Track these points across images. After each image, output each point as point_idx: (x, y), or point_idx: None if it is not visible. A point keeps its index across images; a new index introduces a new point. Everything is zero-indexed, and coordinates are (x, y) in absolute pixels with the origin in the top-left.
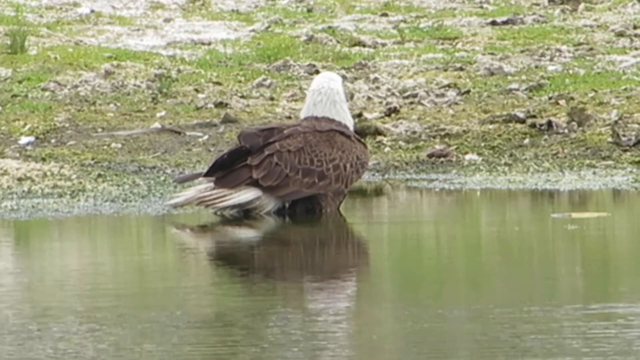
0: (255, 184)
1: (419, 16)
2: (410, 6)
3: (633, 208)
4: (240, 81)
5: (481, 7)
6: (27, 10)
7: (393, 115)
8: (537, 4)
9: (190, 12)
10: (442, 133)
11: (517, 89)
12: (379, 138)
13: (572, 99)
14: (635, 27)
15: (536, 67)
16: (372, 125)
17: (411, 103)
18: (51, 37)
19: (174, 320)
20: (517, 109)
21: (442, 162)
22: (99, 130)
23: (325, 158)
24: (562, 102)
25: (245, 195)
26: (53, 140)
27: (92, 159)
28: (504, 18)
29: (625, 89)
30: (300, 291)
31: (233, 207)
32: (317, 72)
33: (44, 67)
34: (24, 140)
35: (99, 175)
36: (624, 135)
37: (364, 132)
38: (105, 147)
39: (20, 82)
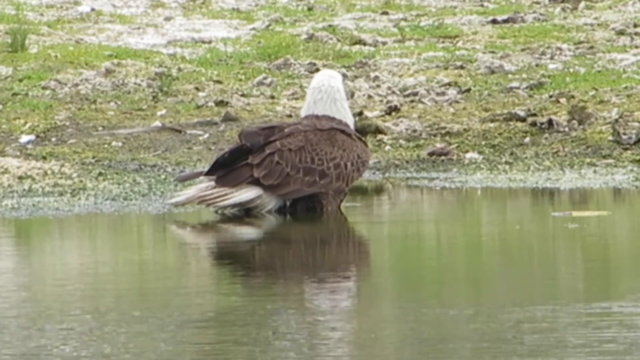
0: (256, 182)
1: (419, 14)
2: (410, 4)
3: (633, 207)
4: (240, 79)
5: (482, 6)
6: (27, 8)
7: (394, 113)
8: (538, 3)
9: (190, 11)
10: (443, 131)
11: (518, 88)
12: (379, 136)
13: (573, 97)
14: (635, 26)
15: (537, 65)
16: (372, 124)
17: (412, 101)
18: (52, 36)
19: (174, 319)
20: (518, 108)
21: (442, 160)
22: (100, 128)
23: (326, 157)
24: (562, 100)
25: (246, 194)
26: (54, 139)
27: (93, 157)
28: (505, 16)
29: (626, 88)
30: (300, 290)
31: (234, 206)
32: (318, 70)
33: (44, 65)
34: (24, 138)
35: (100, 174)
36: (624, 134)
37: (364, 130)
38: (105, 145)
39: (20, 80)
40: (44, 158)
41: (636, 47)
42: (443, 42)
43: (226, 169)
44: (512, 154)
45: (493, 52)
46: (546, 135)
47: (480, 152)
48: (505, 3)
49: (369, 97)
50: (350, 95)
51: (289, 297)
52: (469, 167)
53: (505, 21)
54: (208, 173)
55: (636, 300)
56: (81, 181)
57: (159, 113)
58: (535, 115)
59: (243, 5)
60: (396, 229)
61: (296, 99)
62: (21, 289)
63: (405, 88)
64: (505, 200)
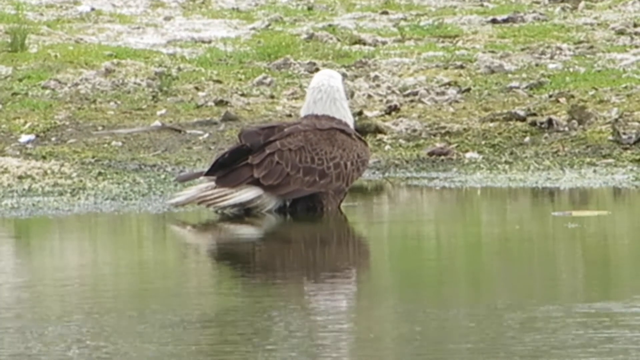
0: (256, 183)
1: (419, 14)
2: (410, 4)
3: (633, 206)
4: (240, 79)
5: (481, 5)
6: (27, 8)
7: (393, 113)
8: (538, 2)
9: (190, 10)
10: (443, 131)
11: (518, 87)
12: (379, 136)
13: (573, 97)
14: (635, 25)
15: (537, 65)
16: (372, 124)
17: (411, 101)
18: (51, 35)
19: (174, 319)
20: (518, 107)
21: (442, 160)
22: (100, 128)
23: (326, 156)
24: (562, 100)
25: (246, 194)
26: (53, 139)
27: (93, 157)
28: (505, 16)
29: (626, 87)
30: (300, 290)
31: (234, 206)
32: (318, 70)
33: (44, 65)
34: (24, 138)
35: (100, 174)
36: (624, 134)
37: (364, 130)
38: (105, 145)
39: (20, 80)
40: (44, 158)
41: (636, 46)
42: (443, 41)
43: (226, 169)
44: (512, 153)
45: (493, 51)
46: (546, 134)
47: (480, 152)
48: (505, 3)
49: (369, 96)
50: (350, 95)
51: (289, 298)
52: (468, 167)
53: (505, 21)
54: (208, 173)
55: (636, 300)
56: (81, 181)
57: (158, 113)
58: (535, 114)
59: (243, 5)
60: (396, 229)
61: (296, 98)
62: (20, 288)
63: (405, 88)
64: (505, 200)
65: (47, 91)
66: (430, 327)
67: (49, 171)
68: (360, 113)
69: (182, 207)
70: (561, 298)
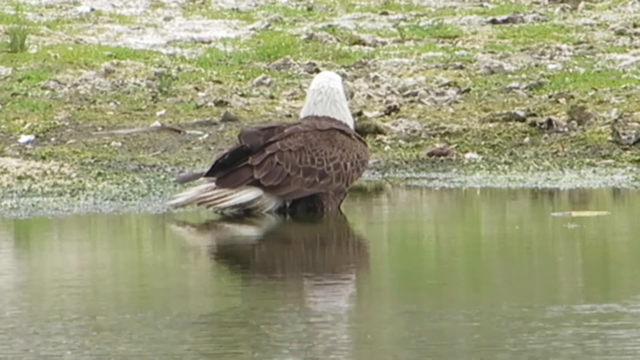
0: (256, 183)
1: (419, 15)
2: (410, 5)
3: (633, 207)
4: (240, 80)
5: (481, 6)
6: (27, 8)
7: (393, 113)
8: (537, 3)
9: (190, 11)
10: (442, 132)
11: (517, 88)
12: (379, 137)
13: (572, 97)
14: (635, 26)
15: (536, 65)
16: (372, 124)
17: (411, 102)
18: (51, 36)
19: (173, 320)
20: (517, 108)
21: (442, 160)
22: (99, 128)
23: (326, 157)
24: (562, 100)
25: (247, 195)
26: (53, 139)
27: (92, 157)
28: (504, 16)
29: (625, 88)
30: (300, 291)
31: (234, 206)
32: (317, 70)
33: (44, 65)
34: (23, 138)
35: (99, 174)
36: (623, 134)
37: (364, 130)
38: (105, 145)
39: (20, 80)
40: (44, 158)
41: (636, 47)
42: (442, 42)
43: (226, 170)
44: (511, 154)
45: (492, 52)
46: (545, 135)
47: (479, 152)
48: (505, 3)
49: (369, 97)
50: (350, 95)
51: (288, 298)
52: (468, 167)
53: (504, 21)
54: (208, 174)
55: (636, 300)
56: (80, 181)
57: (158, 113)
58: (534, 115)
59: (243, 5)
60: (395, 230)
61: (295, 99)
62: (19, 289)
63: (405, 88)
64: (505, 200)
65: (47, 92)
66: (429, 327)
67: (48, 172)
68: (359, 113)
69: (182, 208)
70: (561, 298)
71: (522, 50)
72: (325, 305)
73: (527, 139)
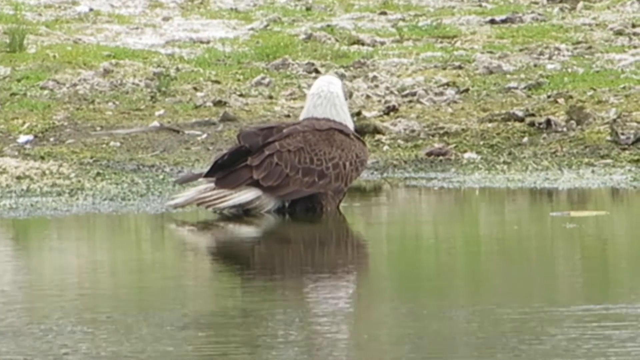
0: (255, 184)
1: (417, 15)
2: (409, 5)
3: (631, 206)
4: (239, 80)
5: (480, 6)
6: (25, 8)
7: (392, 113)
8: (536, 3)
9: (189, 11)
10: (441, 131)
11: (516, 88)
12: (377, 137)
13: (571, 97)
14: (634, 26)
15: (535, 65)
16: (370, 124)
17: (410, 102)
18: (50, 36)
19: (172, 320)
20: (516, 108)
21: (440, 160)
22: (98, 128)
23: (324, 157)
24: (560, 100)
25: (246, 195)
26: (52, 139)
27: (91, 157)
28: (503, 16)
29: (624, 88)
30: (299, 291)
31: (233, 207)
32: (316, 70)
33: (42, 65)
34: (22, 138)
35: (98, 174)
36: (622, 134)
37: (362, 130)
38: (104, 145)
39: (19, 80)
40: (42, 158)
41: (634, 47)
42: (441, 42)
43: (225, 170)
44: (510, 154)
45: (491, 52)
46: (544, 135)
47: (478, 152)
48: (504, 3)
49: (367, 97)
50: (349, 95)
51: (287, 298)
52: (467, 167)
53: (503, 21)
54: (207, 175)
55: (634, 300)
56: (79, 181)
57: (157, 113)
58: (533, 115)
59: (241, 5)
60: (394, 230)
61: (294, 99)
62: (19, 289)
63: (404, 88)
64: (504, 200)
65: (46, 91)
66: (428, 326)
67: (47, 171)
68: (358, 113)
69: (181, 208)
70: (559, 298)
71: (520, 50)
72: (324, 306)
73: (525, 139)
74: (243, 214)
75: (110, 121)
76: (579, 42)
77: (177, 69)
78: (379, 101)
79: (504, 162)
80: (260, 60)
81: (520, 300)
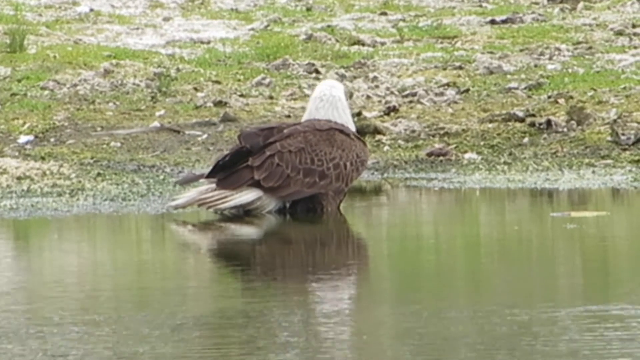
0: (256, 184)
1: (418, 15)
2: (409, 5)
3: (632, 207)
4: (239, 80)
5: (480, 6)
6: (26, 9)
7: (392, 114)
8: (536, 3)
9: (189, 11)
10: (442, 132)
11: (517, 88)
12: (378, 137)
13: (571, 97)
14: (634, 26)
15: (535, 66)
16: (371, 124)
17: (410, 102)
18: (50, 36)
19: (173, 320)
20: (517, 108)
21: (441, 161)
22: (98, 129)
23: (325, 157)
24: (561, 101)
25: (247, 196)
26: (52, 139)
27: (92, 157)
28: (503, 17)
29: (624, 88)
30: (299, 291)
31: (234, 207)
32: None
33: (43, 65)
34: (23, 139)
35: (98, 174)
36: (623, 134)
37: (363, 131)
38: (104, 146)
39: (19, 80)
40: (43, 158)
41: (635, 47)
42: (442, 42)
43: (226, 171)
44: (510, 154)
45: (492, 52)
46: (545, 135)
47: (478, 153)
48: (504, 3)
49: (368, 97)
50: (349, 95)
51: (288, 299)
52: (467, 168)
53: (503, 21)
54: (209, 176)
55: (635, 301)
56: (80, 182)
57: (157, 113)
58: (533, 115)
59: (242, 6)
60: (395, 230)
61: (295, 99)
62: (19, 290)
63: (404, 88)
64: (504, 200)
65: (46, 92)
66: (428, 327)
67: (47, 172)
68: (359, 114)
69: (182, 209)
70: (560, 299)
71: (521, 50)
72: (324, 306)
73: (526, 139)
74: (244, 214)
75: (110, 121)
76: (579, 43)
77: (178, 69)
78: (380, 101)
79: (505, 163)
80: (261, 60)
81: (521, 301)
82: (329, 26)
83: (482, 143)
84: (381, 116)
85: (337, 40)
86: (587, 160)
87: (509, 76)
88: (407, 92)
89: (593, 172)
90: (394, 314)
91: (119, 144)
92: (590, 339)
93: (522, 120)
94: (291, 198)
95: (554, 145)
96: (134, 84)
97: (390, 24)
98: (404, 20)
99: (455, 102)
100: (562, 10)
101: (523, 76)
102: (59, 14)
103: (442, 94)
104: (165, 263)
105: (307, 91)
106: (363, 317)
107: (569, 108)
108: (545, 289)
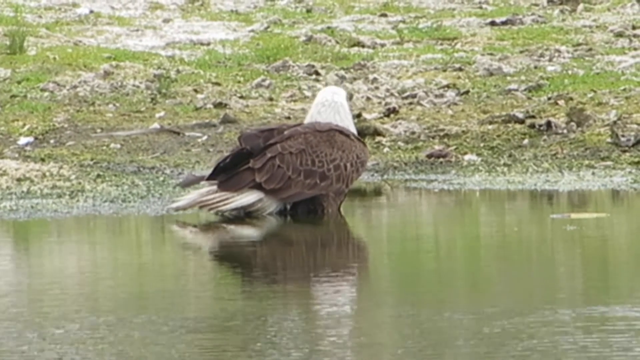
0: (258, 186)
1: (418, 16)
2: (409, 7)
3: (632, 208)
4: (239, 81)
5: (480, 8)
6: (26, 10)
7: (392, 115)
8: (536, 5)
9: (189, 13)
10: (441, 133)
11: (516, 90)
12: (378, 138)
13: (571, 99)
14: (634, 28)
15: (535, 67)
16: (371, 126)
17: (410, 103)
18: (50, 38)
19: (173, 323)
20: (516, 110)
21: (441, 162)
22: (98, 130)
23: (326, 158)
24: (561, 102)
25: (248, 197)
26: (52, 141)
27: (91, 159)
28: (503, 18)
29: (624, 90)
30: (300, 293)
31: (235, 209)
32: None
33: (43, 67)
34: (23, 140)
35: (98, 176)
36: (622, 136)
37: (363, 132)
38: (104, 147)
39: (19, 82)
40: (43, 160)
41: (635, 49)
42: (441, 44)
43: (227, 173)
44: (510, 156)
45: (491, 54)
46: (545, 137)
47: (478, 154)
48: (504, 5)
49: (368, 99)
50: (349, 97)
51: (289, 301)
52: (467, 169)
53: (503, 23)
54: (210, 178)
55: (635, 303)
56: (79, 183)
57: (157, 115)
58: (533, 117)
59: (242, 7)
60: (395, 231)
61: (294, 100)
62: (18, 291)
63: (404, 90)
64: (504, 202)
65: (46, 93)
66: (428, 328)
67: (47, 173)
68: (359, 115)
69: (182, 210)
70: (560, 301)
71: (521, 52)
72: (325, 308)
73: (526, 141)
74: (244, 216)
75: (110, 123)
76: (579, 44)
77: (178, 71)
78: (379, 103)
79: (505, 164)
80: (261, 62)
81: (521, 303)
82: (329, 28)
83: (482, 144)
84: (381, 118)
85: (337, 42)
86: (587, 162)
87: (508, 78)
88: (407, 93)
89: (593, 173)
90: (394, 316)
91: (118, 146)
92: (590, 340)
93: (522, 121)
94: (292, 200)
95: (554, 147)
96: (133, 85)
97: (390, 26)
98: (404, 21)
99: (455, 104)
100: (562, 11)
101: (523, 78)
102: (58, 16)
103: (442, 95)
104: (165, 265)
105: (307, 93)
106: (364, 319)
107: (569, 109)
108: (546, 290)
